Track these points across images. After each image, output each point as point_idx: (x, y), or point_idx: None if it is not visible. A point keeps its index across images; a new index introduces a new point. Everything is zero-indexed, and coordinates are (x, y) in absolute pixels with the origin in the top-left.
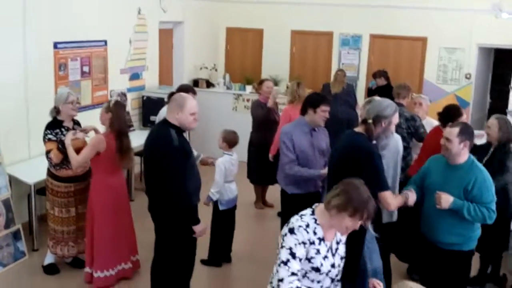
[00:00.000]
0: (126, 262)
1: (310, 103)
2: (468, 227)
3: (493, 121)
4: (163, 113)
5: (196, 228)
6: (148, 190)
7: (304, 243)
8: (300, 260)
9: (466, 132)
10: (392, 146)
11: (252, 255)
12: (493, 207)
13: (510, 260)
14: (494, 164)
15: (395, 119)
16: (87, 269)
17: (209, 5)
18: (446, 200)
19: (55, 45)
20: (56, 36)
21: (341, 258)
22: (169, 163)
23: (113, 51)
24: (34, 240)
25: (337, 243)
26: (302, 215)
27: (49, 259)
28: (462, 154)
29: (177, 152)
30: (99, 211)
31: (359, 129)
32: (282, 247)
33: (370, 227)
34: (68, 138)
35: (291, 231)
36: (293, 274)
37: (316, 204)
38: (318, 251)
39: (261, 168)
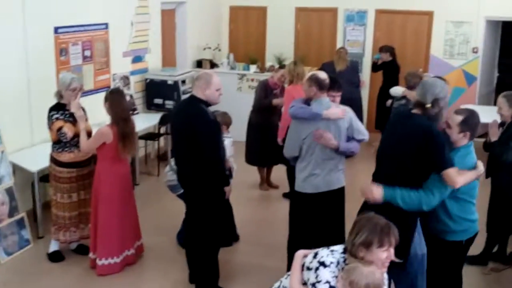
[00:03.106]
0: (130, 248)
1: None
2: (452, 219)
3: (501, 99)
4: None
5: (227, 189)
6: (181, 162)
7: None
8: None
9: (469, 123)
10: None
11: (259, 237)
12: (436, 191)
13: None
14: (502, 140)
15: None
16: (91, 255)
17: None
18: (377, 192)
19: (56, 30)
20: (56, 20)
21: None
22: (208, 135)
23: (114, 34)
24: (39, 227)
25: None
26: (333, 250)
27: (53, 246)
28: (461, 142)
29: (213, 124)
30: (104, 198)
31: (416, 111)
32: (318, 282)
33: None
34: (83, 123)
35: (323, 264)
36: None
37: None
38: None
39: (263, 149)
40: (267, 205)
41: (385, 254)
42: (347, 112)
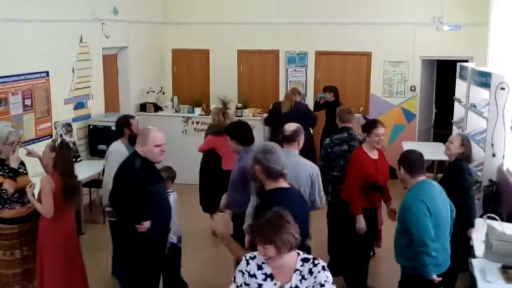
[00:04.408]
0: None
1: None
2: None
3: (456, 136)
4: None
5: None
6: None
7: (242, 272)
8: (238, 286)
9: (402, 158)
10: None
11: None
12: (422, 246)
13: (465, 274)
14: (448, 181)
15: None
16: None
17: (152, 28)
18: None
19: None
20: None
21: None
22: (121, 183)
23: (55, 82)
24: None
25: None
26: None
27: None
28: (407, 179)
29: (133, 176)
30: (49, 254)
31: None
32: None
33: None
34: (30, 194)
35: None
36: None
37: None
38: (259, 286)
39: (215, 195)
40: (219, 252)
41: (261, 251)
42: (313, 170)
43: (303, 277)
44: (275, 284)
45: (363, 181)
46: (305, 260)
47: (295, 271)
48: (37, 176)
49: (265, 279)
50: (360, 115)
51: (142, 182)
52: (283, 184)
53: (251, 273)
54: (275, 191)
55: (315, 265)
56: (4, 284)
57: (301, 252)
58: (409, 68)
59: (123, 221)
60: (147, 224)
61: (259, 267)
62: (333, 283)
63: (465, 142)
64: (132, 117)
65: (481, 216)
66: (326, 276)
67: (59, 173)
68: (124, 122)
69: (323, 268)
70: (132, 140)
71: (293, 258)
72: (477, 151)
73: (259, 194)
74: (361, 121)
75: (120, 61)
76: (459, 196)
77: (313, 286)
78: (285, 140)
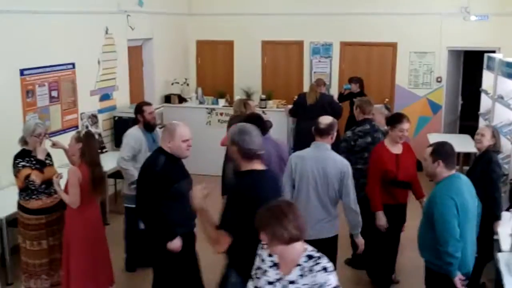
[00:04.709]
0: None
1: None
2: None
3: (487, 128)
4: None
5: (170, 244)
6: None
7: (258, 255)
8: (256, 269)
9: (439, 151)
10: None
11: None
12: (445, 246)
13: (490, 268)
14: (476, 172)
15: None
16: None
17: (177, 19)
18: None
19: (22, 72)
20: (22, 62)
21: None
22: (144, 186)
23: (81, 74)
24: (8, 274)
25: (290, 282)
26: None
27: None
28: (440, 172)
29: (156, 177)
30: (75, 244)
31: None
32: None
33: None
34: (57, 185)
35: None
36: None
37: None
38: (265, 272)
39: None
40: None
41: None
42: (344, 167)
43: (303, 274)
44: (277, 274)
45: (381, 177)
46: (309, 257)
47: (297, 266)
48: (63, 167)
49: (271, 266)
50: (382, 106)
51: (165, 181)
52: (257, 166)
53: (262, 257)
54: (248, 172)
55: (316, 264)
56: (31, 273)
57: (310, 248)
58: (435, 59)
59: (151, 233)
60: (176, 245)
61: (270, 254)
62: (335, 287)
63: (496, 133)
64: (147, 104)
65: (507, 210)
66: (326, 279)
67: (87, 163)
68: (138, 109)
69: (324, 269)
70: (147, 126)
71: (298, 252)
72: (504, 144)
73: (235, 175)
74: (384, 111)
75: (145, 52)
76: (487, 188)
77: (312, 286)
78: (319, 133)
